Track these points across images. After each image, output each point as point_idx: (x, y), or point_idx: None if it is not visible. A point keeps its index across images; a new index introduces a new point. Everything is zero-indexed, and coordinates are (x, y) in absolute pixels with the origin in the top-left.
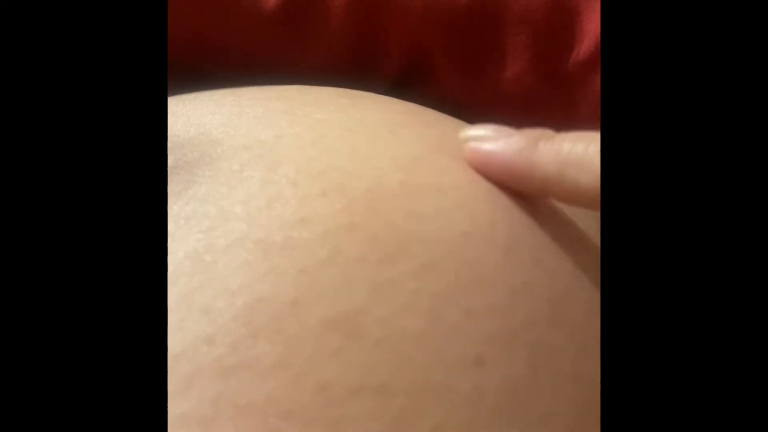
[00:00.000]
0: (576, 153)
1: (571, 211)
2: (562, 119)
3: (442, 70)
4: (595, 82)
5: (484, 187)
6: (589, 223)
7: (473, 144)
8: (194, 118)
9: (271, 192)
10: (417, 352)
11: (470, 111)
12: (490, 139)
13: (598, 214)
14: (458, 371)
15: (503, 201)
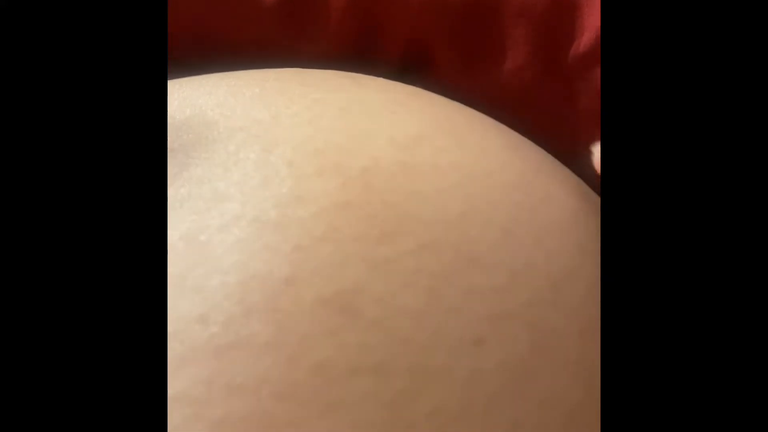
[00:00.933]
0: None
1: (572, 195)
2: (562, 112)
3: (441, 63)
4: (596, 75)
5: (484, 167)
6: (590, 207)
7: None
8: (190, 99)
9: (266, 172)
10: (416, 332)
11: (469, 104)
12: None
13: (598, 201)
14: (458, 352)
15: (503, 182)
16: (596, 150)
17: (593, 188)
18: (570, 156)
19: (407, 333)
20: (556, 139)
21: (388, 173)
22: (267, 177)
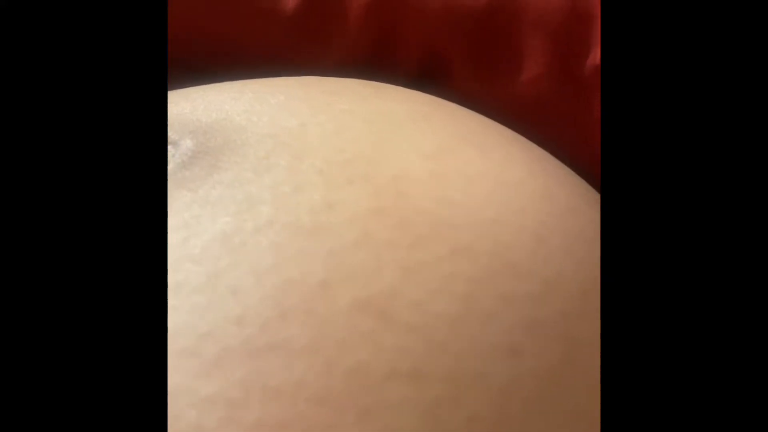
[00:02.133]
0: None
1: (592, 206)
2: (578, 122)
3: (458, 73)
4: None
5: (511, 176)
6: None
7: None
8: (215, 103)
9: (298, 179)
10: (452, 338)
11: (486, 113)
12: None
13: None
14: (493, 360)
15: (531, 191)
16: None
17: None
18: (586, 166)
19: (443, 338)
20: (572, 149)
21: (418, 181)
22: (299, 184)
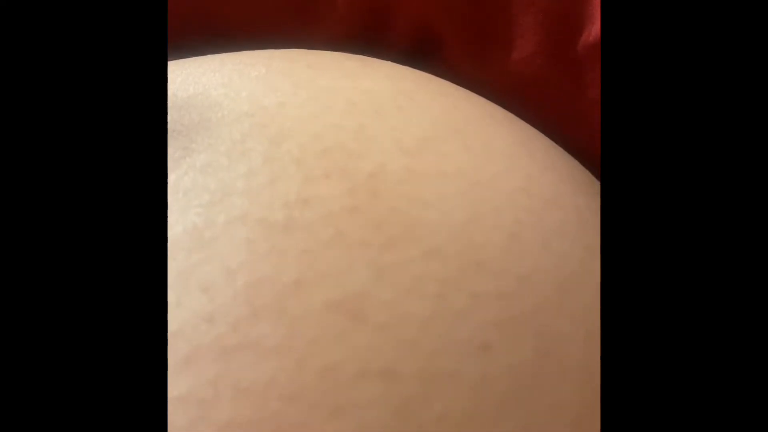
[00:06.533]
0: None
1: (579, 192)
2: (572, 101)
3: (450, 50)
4: None
5: (490, 171)
6: (598, 203)
7: None
8: (193, 77)
9: (273, 169)
10: (423, 337)
11: (478, 91)
12: None
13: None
14: (464, 357)
15: (508, 185)
16: None
17: (599, 178)
18: (579, 145)
19: (414, 337)
20: (565, 128)
21: (394, 179)
22: (274, 174)
